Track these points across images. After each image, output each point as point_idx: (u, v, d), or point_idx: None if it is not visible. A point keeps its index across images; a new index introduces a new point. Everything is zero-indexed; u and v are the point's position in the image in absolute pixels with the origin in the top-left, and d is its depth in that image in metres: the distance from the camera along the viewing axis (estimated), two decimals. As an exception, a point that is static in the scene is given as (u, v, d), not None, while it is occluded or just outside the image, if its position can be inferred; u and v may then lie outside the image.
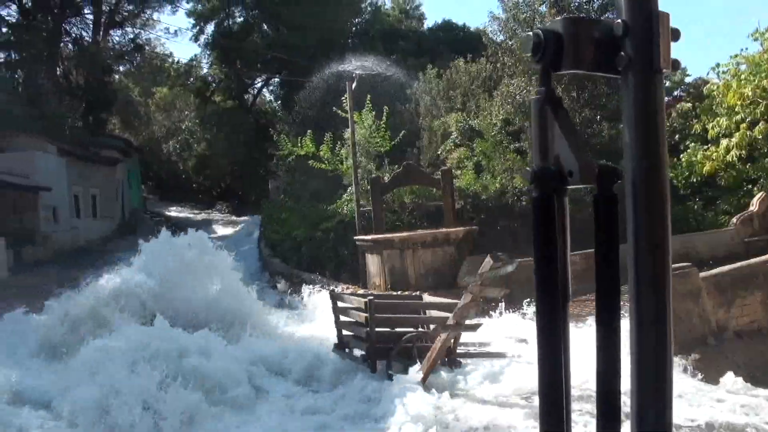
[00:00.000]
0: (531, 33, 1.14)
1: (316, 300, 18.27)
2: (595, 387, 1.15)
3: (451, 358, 11.17)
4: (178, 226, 40.96)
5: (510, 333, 13.57)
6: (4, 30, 42.70)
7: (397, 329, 11.70)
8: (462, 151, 25.01)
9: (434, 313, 12.23)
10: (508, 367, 10.89)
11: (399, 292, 16.17)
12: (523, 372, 10.39)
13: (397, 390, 9.90)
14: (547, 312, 1.14)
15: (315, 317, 17.19)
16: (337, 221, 24.45)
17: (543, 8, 23.10)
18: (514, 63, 22.54)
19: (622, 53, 1.13)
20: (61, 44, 45.69)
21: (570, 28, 1.14)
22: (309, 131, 27.05)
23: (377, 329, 11.29)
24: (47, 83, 39.61)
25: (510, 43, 23.05)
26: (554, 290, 1.14)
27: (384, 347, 11.24)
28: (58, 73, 44.70)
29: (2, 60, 42.38)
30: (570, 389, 1.18)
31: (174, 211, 50.99)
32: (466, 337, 11.44)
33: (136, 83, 54.70)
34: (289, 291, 21.93)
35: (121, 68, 53.02)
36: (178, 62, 57.84)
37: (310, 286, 20.51)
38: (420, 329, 11.95)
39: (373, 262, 19.35)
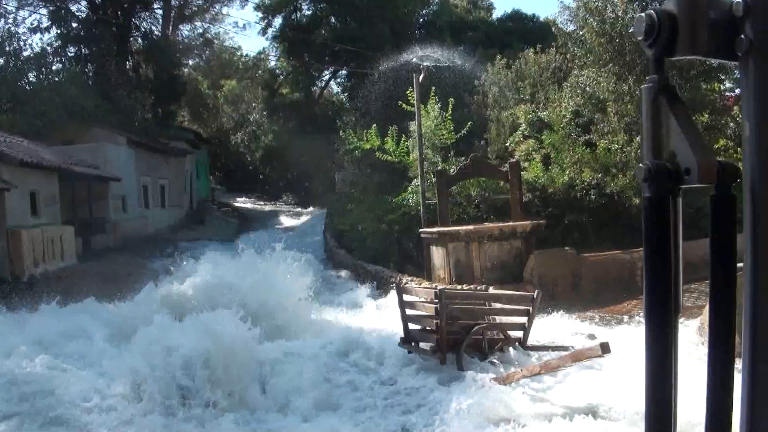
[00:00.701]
0: (643, 14, 1.03)
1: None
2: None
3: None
4: (246, 217, 41.73)
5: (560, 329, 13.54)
6: (75, 25, 43.80)
7: (467, 321, 11.57)
8: (530, 143, 24.57)
9: (500, 305, 12.24)
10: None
11: (464, 286, 16.02)
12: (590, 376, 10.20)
13: (468, 383, 9.80)
14: (657, 324, 1.03)
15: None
16: (401, 213, 24.36)
17: (615, -4, 22.44)
18: (584, 54, 21.97)
19: (742, 36, 1.01)
20: (131, 38, 46.71)
21: (686, 7, 1.02)
22: (374, 125, 27.00)
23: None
24: (117, 77, 40.51)
25: (580, 33, 22.49)
26: (666, 300, 1.03)
27: (454, 339, 11.13)
28: (127, 66, 45.68)
29: (73, 54, 43.48)
30: (677, 405, 1.08)
31: (241, 202, 51.78)
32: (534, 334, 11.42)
33: (205, 76, 55.73)
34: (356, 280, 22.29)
35: (190, 62, 54.07)
36: (246, 55, 58.77)
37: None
38: (489, 320, 11.87)
39: (437, 255, 19.23)
